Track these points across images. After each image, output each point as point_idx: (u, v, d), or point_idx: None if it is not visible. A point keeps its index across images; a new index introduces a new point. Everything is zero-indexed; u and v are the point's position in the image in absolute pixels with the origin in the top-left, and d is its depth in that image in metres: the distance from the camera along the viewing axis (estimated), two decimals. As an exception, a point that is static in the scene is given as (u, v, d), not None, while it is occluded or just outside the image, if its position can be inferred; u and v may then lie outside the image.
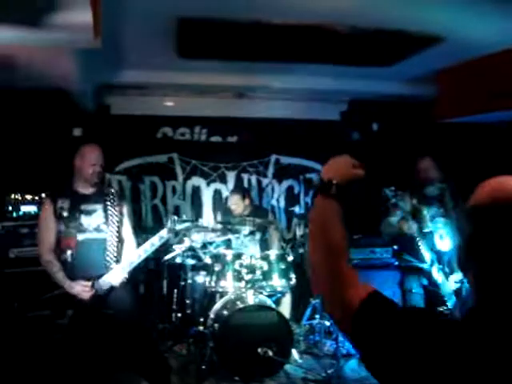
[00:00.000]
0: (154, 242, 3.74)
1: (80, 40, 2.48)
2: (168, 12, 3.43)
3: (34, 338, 4.62)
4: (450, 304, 3.98)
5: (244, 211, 5.33)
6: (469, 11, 3.45)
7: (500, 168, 4.70)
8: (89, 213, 3.72)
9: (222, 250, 4.94)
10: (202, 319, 4.89)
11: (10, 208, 5.10)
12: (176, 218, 3.82)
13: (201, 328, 4.85)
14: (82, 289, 3.54)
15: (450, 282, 4.06)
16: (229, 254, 4.76)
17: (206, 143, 6.31)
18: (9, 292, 4.83)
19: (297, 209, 6.62)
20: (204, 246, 5.08)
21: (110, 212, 3.75)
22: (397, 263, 5.36)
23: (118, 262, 3.73)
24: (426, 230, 4.20)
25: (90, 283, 3.57)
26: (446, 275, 4.07)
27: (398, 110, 6.30)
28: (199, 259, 5.12)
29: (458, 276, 4.00)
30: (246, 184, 6.39)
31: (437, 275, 4.05)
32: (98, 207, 3.76)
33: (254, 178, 6.42)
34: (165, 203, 6.18)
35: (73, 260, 3.61)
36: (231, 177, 6.38)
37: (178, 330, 5.08)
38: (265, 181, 6.46)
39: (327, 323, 5.21)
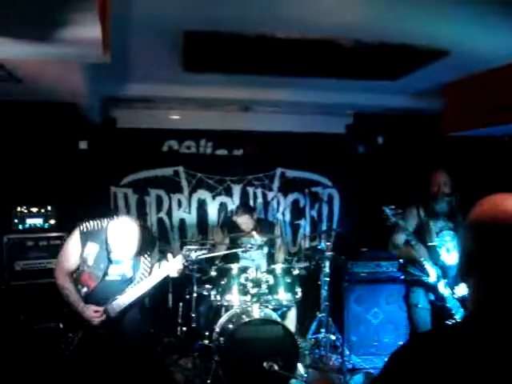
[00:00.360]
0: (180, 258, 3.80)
1: (89, 55, 2.50)
2: (175, 26, 3.45)
3: (41, 350, 4.65)
4: (458, 317, 3.96)
5: (252, 227, 5.33)
6: (475, 25, 3.45)
7: (504, 181, 4.73)
8: (118, 262, 3.69)
9: (227, 263, 4.92)
10: (207, 333, 4.89)
11: (16, 220, 5.12)
12: (190, 247, 3.90)
13: (206, 342, 4.84)
14: (93, 315, 3.52)
15: (457, 295, 4.04)
16: (235, 268, 4.76)
17: (211, 156, 6.32)
18: (14, 304, 4.85)
19: (302, 222, 6.61)
20: (210, 259, 5.06)
21: (142, 265, 3.74)
22: (403, 277, 5.35)
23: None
24: (432, 244, 4.17)
25: (102, 308, 3.56)
26: (453, 288, 4.05)
27: (403, 123, 6.32)
28: (205, 272, 5.11)
29: (464, 289, 3.98)
30: (251, 197, 6.39)
31: (443, 290, 4.03)
32: (127, 257, 3.70)
33: (259, 192, 6.42)
34: (170, 216, 6.18)
35: (88, 294, 3.61)
36: (237, 190, 6.39)
37: (183, 344, 5.07)
38: (270, 194, 6.46)
39: (333, 337, 5.19)
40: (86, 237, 3.61)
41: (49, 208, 5.20)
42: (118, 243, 3.55)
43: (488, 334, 1.14)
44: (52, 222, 5.21)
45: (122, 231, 3.55)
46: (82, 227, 3.64)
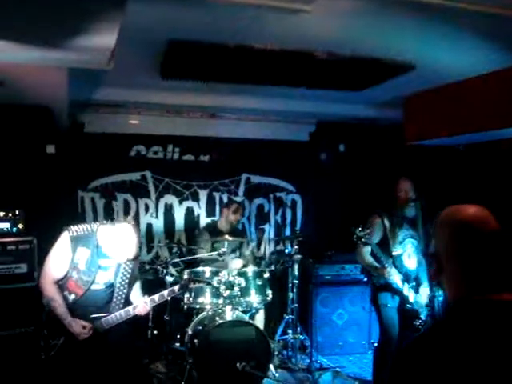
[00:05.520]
0: (164, 294, 3.80)
1: (97, 62, 2.55)
2: (157, 34, 3.53)
3: (9, 357, 4.57)
4: (423, 316, 4.18)
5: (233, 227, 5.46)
6: (438, 43, 3.71)
7: (460, 188, 4.99)
8: (105, 268, 3.65)
9: (200, 266, 5.00)
10: (178, 336, 4.94)
11: (-17, 225, 5.02)
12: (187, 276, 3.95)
13: (177, 344, 4.89)
14: (81, 330, 3.47)
15: (421, 296, 4.26)
16: (207, 271, 4.85)
17: (178, 162, 6.39)
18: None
19: (267, 227, 6.77)
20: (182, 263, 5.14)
21: (122, 269, 3.72)
22: (366, 279, 5.57)
23: (123, 306, 3.69)
24: (397, 253, 4.32)
25: (90, 325, 3.51)
26: (416, 290, 4.27)
27: (365, 132, 6.57)
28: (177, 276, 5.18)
29: (426, 289, 4.21)
30: (217, 202, 6.50)
31: (407, 293, 4.24)
32: (114, 263, 3.68)
33: (225, 197, 6.52)
34: (138, 221, 6.19)
35: (74, 303, 3.56)
36: (203, 195, 6.48)
37: (154, 348, 5.09)
38: (236, 199, 6.58)
39: (301, 337, 5.36)
40: (76, 241, 3.54)
41: (17, 212, 5.12)
42: (119, 247, 3.54)
43: (476, 321, 1.33)
44: (20, 226, 5.13)
45: (124, 236, 3.54)
46: (70, 232, 3.56)
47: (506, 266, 1.41)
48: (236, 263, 5.32)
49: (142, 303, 3.68)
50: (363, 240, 4.18)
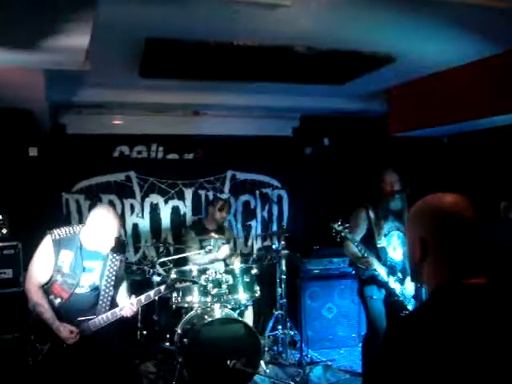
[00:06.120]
0: (151, 295, 3.76)
1: (71, 63, 2.51)
2: (136, 33, 3.51)
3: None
4: (410, 307, 4.20)
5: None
6: (418, 34, 3.72)
7: (443, 178, 5.02)
8: (90, 270, 3.61)
9: (188, 265, 4.99)
10: (168, 335, 4.93)
11: (-34, 228, 4.97)
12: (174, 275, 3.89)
13: (167, 344, 4.88)
14: (69, 335, 3.42)
15: (407, 288, 4.28)
16: (194, 270, 4.83)
17: (162, 161, 6.36)
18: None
19: (253, 223, 6.76)
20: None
21: (107, 271, 3.67)
22: (354, 272, 5.58)
23: (110, 308, 3.65)
24: (382, 245, 4.32)
25: (77, 330, 3.46)
26: (402, 282, 4.29)
27: (348, 124, 6.58)
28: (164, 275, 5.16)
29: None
30: (203, 200, 6.47)
31: (393, 285, 4.25)
32: (99, 265, 3.65)
33: (211, 194, 6.50)
34: (124, 221, 6.15)
35: (60, 306, 3.52)
36: (189, 193, 6.45)
37: (144, 348, 5.07)
38: (222, 196, 6.55)
39: (291, 333, 5.36)
40: (58, 245, 3.51)
41: (0, 217, 5.08)
42: (100, 232, 3.50)
43: (461, 304, 1.38)
44: (4, 231, 5.08)
45: (105, 219, 3.50)
46: (53, 235, 3.53)
47: (482, 252, 1.48)
48: (223, 250, 5.27)
49: (128, 304, 3.65)
50: (342, 235, 4.15)
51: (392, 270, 4.27)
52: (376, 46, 4.03)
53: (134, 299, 3.70)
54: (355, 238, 4.24)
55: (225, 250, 5.31)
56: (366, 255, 4.18)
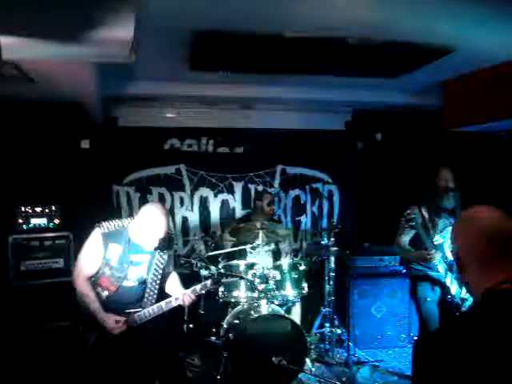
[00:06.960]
0: (197, 289, 3.80)
1: (117, 55, 2.51)
2: (186, 25, 3.48)
3: (47, 351, 4.65)
4: (464, 309, 4.03)
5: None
6: (477, 24, 3.52)
7: (501, 178, 4.80)
8: (137, 264, 3.65)
9: (235, 260, 4.95)
10: (214, 330, 4.91)
11: (21, 220, 5.10)
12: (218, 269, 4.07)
13: (213, 338, 4.87)
14: (114, 325, 3.47)
15: (463, 289, 4.11)
16: (242, 264, 4.79)
17: (213, 154, 6.36)
18: (19, 304, 4.85)
19: (303, 218, 6.67)
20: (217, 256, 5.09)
21: (154, 265, 3.70)
22: (404, 271, 5.42)
23: (157, 301, 3.70)
24: (438, 242, 4.21)
25: (123, 319, 3.51)
26: (459, 282, 4.12)
27: (402, 119, 6.40)
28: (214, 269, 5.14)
29: None
30: (253, 194, 6.43)
31: (449, 284, 4.10)
32: (146, 259, 3.68)
33: (260, 189, 6.46)
34: (173, 214, 6.20)
35: (107, 299, 3.58)
36: (238, 187, 6.44)
37: (189, 341, 5.08)
38: (269, 190, 6.50)
39: (338, 331, 5.26)
40: (107, 238, 3.54)
41: (53, 207, 5.19)
42: (147, 228, 3.50)
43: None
44: (56, 221, 5.20)
45: (154, 216, 3.51)
46: (102, 228, 3.56)
47: None
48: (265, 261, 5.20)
49: (182, 295, 3.69)
50: (421, 222, 4.16)
51: (450, 268, 4.12)
52: (433, 38, 3.85)
53: (188, 290, 3.75)
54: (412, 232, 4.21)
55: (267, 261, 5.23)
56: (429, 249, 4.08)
